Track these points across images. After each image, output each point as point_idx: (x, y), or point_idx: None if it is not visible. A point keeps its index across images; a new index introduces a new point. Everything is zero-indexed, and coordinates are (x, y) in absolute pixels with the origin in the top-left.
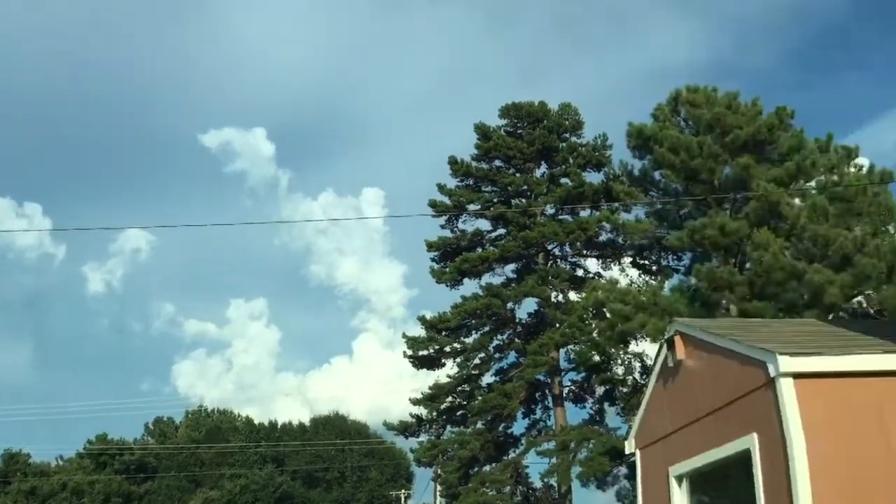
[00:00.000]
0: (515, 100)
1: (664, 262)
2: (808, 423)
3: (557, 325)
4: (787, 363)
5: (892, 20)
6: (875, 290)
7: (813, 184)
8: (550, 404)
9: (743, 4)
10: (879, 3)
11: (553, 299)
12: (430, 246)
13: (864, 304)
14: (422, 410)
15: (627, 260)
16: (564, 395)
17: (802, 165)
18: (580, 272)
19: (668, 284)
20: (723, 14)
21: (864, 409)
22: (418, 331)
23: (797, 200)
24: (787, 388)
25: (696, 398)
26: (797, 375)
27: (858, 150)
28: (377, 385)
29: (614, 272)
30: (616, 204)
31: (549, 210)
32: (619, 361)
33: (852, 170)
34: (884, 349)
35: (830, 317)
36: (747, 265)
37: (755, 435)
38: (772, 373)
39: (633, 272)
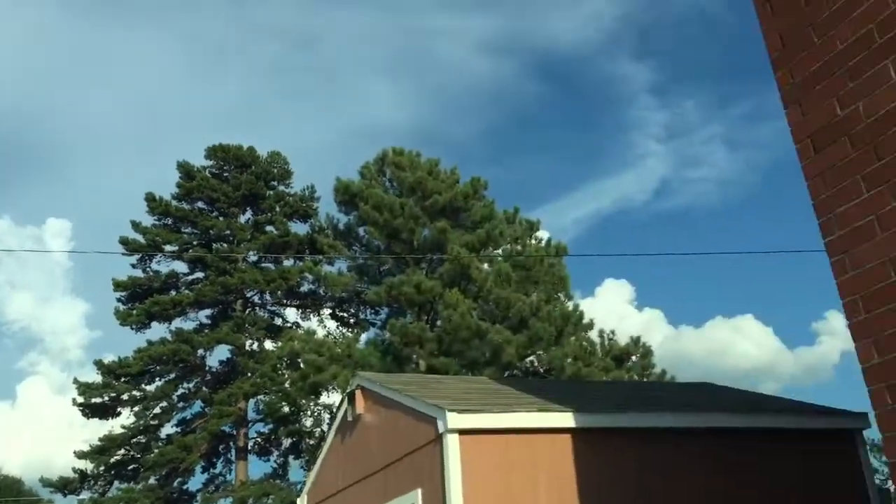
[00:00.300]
0: (224, 141)
1: (362, 316)
2: (468, 477)
3: (249, 374)
4: (455, 419)
5: (576, 113)
6: (545, 350)
7: (500, 251)
8: (233, 457)
9: (449, 81)
10: (566, 97)
11: (248, 348)
12: (118, 285)
13: (536, 364)
14: (87, 465)
15: (327, 312)
16: (249, 447)
17: (492, 234)
18: (278, 321)
19: (364, 338)
20: (431, 86)
21: (520, 463)
22: (95, 376)
23: (486, 266)
24: (452, 443)
25: (373, 453)
26: (463, 431)
27: (539, 224)
28: (42, 436)
29: (313, 323)
30: (320, 256)
31: (252, 257)
32: (309, 413)
33: (533, 241)
34: (539, 407)
35: (507, 374)
36: (438, 323)
37: (419, 490)
38: (440, 429)
39: (332, 324)
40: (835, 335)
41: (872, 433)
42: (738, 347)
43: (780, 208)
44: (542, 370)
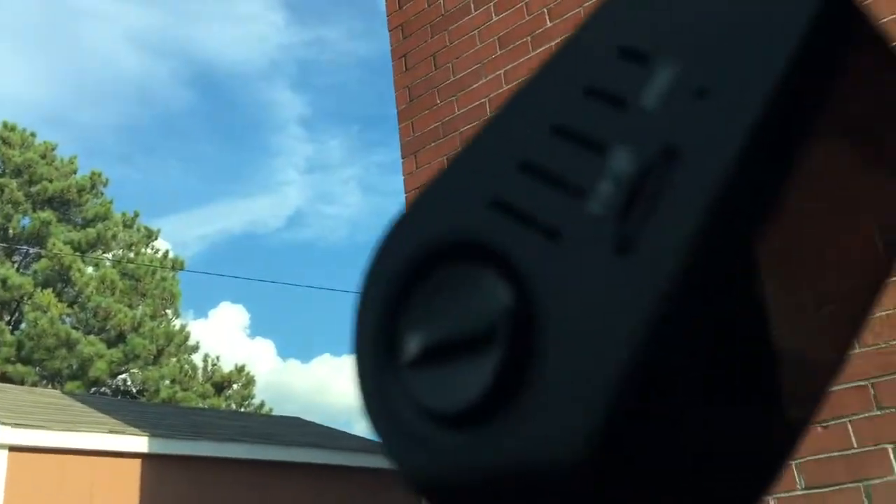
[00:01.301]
0: None
1: None
2: (12, 499)
3: None
4: (6, 434)
5: (223, 128)
6: (141, 369)
7: (109, 256)
8: None
9: (91, 66)
10: (217, 111)
11: None
12: None
13: (129, 382)
14: None
15: None
16: None
17: (104, 235)
18: None
19: None
20: (69, 66)
21: (76, 487)
22: None
23: (90, 269)
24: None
25: None
26: (14, 448)
27: (159, 234)
28: None
29: None
30: None
31: None
32: None
33: (149, 251)
34: (110, 429)
35: (94, 390)
36: (23, 325)
37: None
38: None
39: None
40: None
41: None
42: (339, 386)
43: None
44: (135, 390)
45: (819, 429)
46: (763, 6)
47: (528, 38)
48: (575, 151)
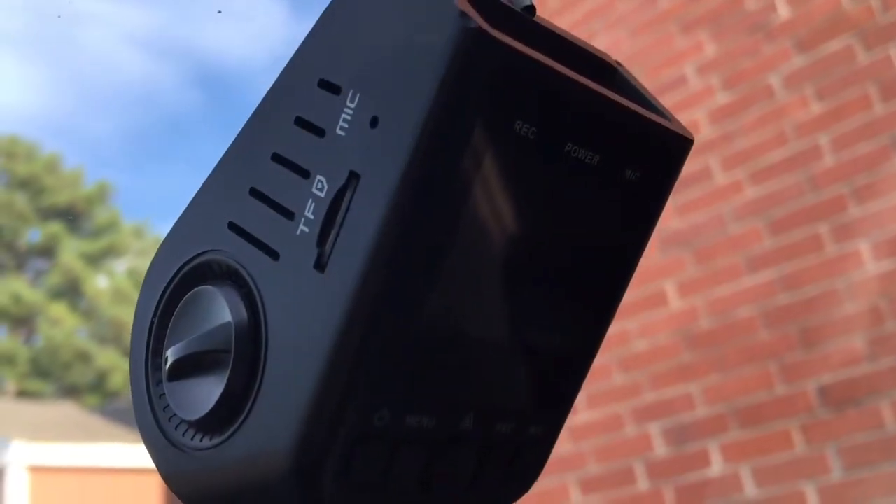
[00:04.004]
0: None
1: None
2: None
3: None
4: (23, 451)
5: (232, 128)
6: None
7: (123, 266)
8: None
9: (93, 72)
10: (223, 111)
11: None
12: None
13: None
14: None
15: None
16: None
17: (115, 246)
18: None
19: None
20: (71, 73)
21: (96, 500)
22: None
23: (102, 280)
24: (16, 475)
25: None
26: (33, 465)
27: None
28: None
29: None
30: None
31: None
32: None
33: None
34: (131, 442)
35: (112, 403)
36: (38, 340)
37: None
38: (3, 461)
39: None
40: None
41: None
42: None
43: None
44: None
45: None
46: (415, 41)
47: None
48: (289, 177)
